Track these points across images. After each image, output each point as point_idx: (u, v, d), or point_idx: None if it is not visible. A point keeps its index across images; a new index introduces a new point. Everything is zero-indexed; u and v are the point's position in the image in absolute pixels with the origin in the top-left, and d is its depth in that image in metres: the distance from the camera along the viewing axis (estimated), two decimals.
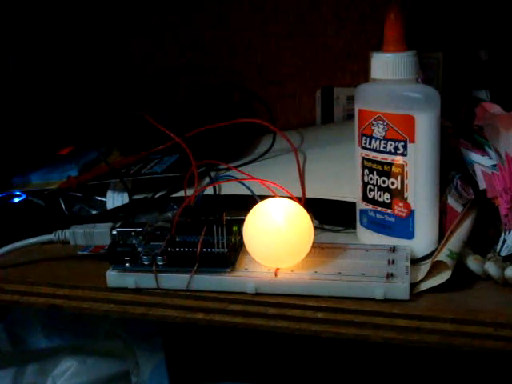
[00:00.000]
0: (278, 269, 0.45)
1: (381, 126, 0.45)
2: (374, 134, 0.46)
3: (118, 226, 0.50)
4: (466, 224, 0.48)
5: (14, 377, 0.69)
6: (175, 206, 0.56)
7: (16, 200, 0.61)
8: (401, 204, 0.46)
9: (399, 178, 0.46)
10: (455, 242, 0.46)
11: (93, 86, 0.79)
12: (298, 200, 0.51)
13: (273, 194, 0.52)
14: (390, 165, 0.46)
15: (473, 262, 0.45)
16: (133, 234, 0.48)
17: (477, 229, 0.48)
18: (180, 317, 0.46)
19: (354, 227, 0.51)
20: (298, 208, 0.45)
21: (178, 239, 0.48)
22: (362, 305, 0.43)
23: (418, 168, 0.45)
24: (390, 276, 0.43)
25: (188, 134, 0.60)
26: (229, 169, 0.59)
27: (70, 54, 0.78)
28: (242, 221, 0.46)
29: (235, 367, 0.78)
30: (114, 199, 0.59)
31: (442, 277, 0.43)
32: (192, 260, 0.45)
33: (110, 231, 0.49)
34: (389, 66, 0.44)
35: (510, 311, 0.41)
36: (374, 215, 0.48)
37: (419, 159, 0.45)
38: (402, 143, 0.45)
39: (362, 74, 0.69)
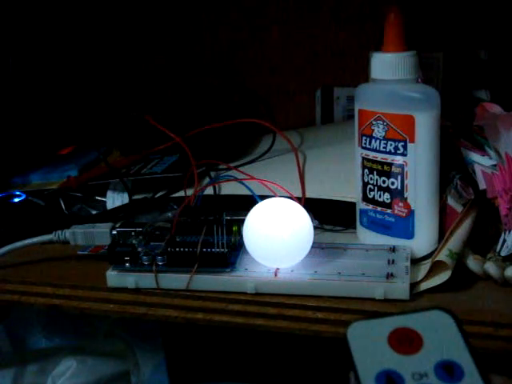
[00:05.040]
0: (278, 269, 0.45)
1: (381, 126, 0.45)
2: (373, 134, 0.46)
3: (118, 226, 0.50)
4: (466, 224, 0.48)
5: (14, 377, 0.69)
6: (175, 206, 0.56)
7: (16, 200, 0.61)
8: (401, 204, 0.46)
9: (399, 177, 0.46)
10: (455, 241, 0.46)
11: (93, 85, 0.79)
12: (298, 200, 0.51)
13: (273, 194, 0.52)
14: (390, 165, 0.46)
15: (473, 262, 0.45)
16: (133, 234, 0.48)
17: (477, 229, 0.48)
18: (180, 317, 0.46)
19: (354, 227, 0.51)
20: (298, 208, 0.45)
21: (178, 239, 0.48)
22: (362, 305, 0.43)
23: (418, 168, 0.45)
24: (390, 276, 0.43)
25: (188, 134, 0.60)
26: (229, 169, 0.59)
27: (70, 54, 0.78)
28: (242, 221, 0.46)
29: (235, 367, 0.78)
30: (114, 199, 0.59)
31: (442, 277, 0.43)
32: (192, 260, 0.45)
33: (110, 231, 0.49)
34: (389, 66, 0.44)
35: (510, 311, 0.41)
36: (374, 215, 0.48)
37: (419, 159, 0.45)
38: (402, 143, 0.45)
39: (362, 74, 0.69)
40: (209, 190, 0.56)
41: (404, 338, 0.28)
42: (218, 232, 0.46)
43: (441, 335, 0.28)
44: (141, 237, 0.48)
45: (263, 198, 0.48)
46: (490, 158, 0.50)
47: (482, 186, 0.48)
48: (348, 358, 0.27)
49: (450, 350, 0.27)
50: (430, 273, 0.44)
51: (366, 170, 0.47)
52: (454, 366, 0.26)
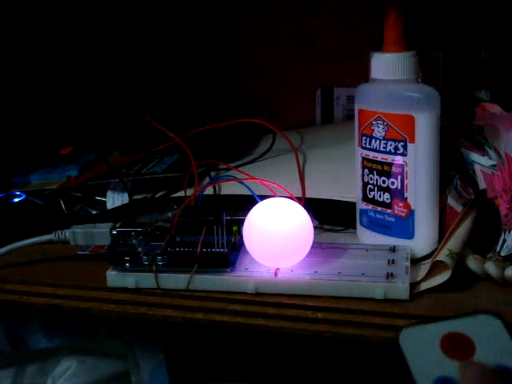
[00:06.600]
0: (278, 269, 0.45)
1: (381, 126, 0.45)
2: (373, 134, 0.46)
3: (118, 226, 0.50)
4: (466, 224, 0.48)
5: (14, 377, 0.69)
6: (175, 206, 0.56)
7: (16, 200, 0.61)
8: (401, 204, 0.46)
9: (399, 177, 0.46)
10: (455, 241, 0.45)
11: (93, 86, 0.79)
12: (298, 200, 0.51)
13: (273, 194, 0.52)
14: (390, 165, 0.46)
15: (473, 262, 0.45)
16: (133, 234, 0.48)
17: (477, 229, 0.48)
18: (180, 317, 0.46)
19: (354, 227, 0.51)
20: (298, 208, 0.45)
21: (178, 239, 0.48)
22: (362, 305, 0.43)
23: (418, 168, 0.45)
24: (390, 276, 0.43)
25: (188, 134, 0.60)
26: (229, 169, 0.59)
27: (70, 54, 0.78)
28: (242, 221, 0.46)
29: (235, 367, 0.78)
30: (114, 199, 0.59)
31: (442, 277, 0.43)
32: (192, 260, 0.45)
33: (110, 231, 0.49)
34: (389, 66, 0.44)
35: (510, 311, 0.41)
36: (373, 215, 0.48)
37: (419, 159, 0.45)
38: (402, 143, 0.45)
39: (362, 74, 0.69)
40: (209, 190, 0.56)
41: (456, 343, 0.28)
42: (218, 232, 0.46)
43: (492, 340, 0.27)
44: (141, 237, 0.48)
45: (263, 197, 0.48)
46: (490, 158, 0.50)
47: (482, 185, 0.48)
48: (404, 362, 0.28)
49: (503, 355, 0.27)
50: (430, 273, 0.44)
51: (366, 170, 0.47)
52: (509, 371, 0.26)
